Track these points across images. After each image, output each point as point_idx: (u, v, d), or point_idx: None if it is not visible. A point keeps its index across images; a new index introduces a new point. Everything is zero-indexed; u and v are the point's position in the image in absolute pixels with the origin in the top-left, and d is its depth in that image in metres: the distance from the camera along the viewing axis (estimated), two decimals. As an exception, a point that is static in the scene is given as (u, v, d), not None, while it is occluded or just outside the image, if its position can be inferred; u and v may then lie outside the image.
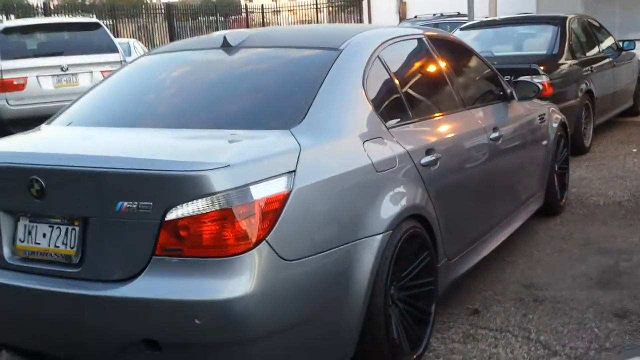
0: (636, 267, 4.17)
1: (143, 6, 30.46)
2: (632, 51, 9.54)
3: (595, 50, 8.67)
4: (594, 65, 8.19)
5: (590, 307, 3.62)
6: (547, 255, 4.47)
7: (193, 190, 2.33)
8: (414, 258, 3.05)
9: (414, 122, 3.43)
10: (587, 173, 6.70)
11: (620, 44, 9.32)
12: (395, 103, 3.40)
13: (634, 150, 7.63)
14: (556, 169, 5.29)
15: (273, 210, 2.42)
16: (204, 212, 2.32)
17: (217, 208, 2.32)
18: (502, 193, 4.35)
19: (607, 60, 8.70)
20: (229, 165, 2.37)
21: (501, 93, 4.61)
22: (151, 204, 2.37)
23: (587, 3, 11.82)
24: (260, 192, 2.40)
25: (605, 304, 3.64)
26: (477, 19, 11.13)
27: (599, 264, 4.27)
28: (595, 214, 5.33)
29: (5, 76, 9.77)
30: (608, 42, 9.19)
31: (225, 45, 3.44)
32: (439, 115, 3.71)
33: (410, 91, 3.61)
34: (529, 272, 4.18)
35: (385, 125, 3.15)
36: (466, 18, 14.39)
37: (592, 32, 8.90)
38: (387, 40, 3.55)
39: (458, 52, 4.47)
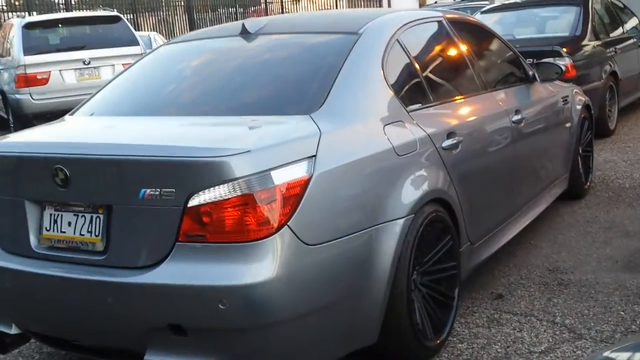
0: (663, 249, 4.13)
1: (163, -1, 30.54)
2: (658, 31, 9.37)
3: (619, 31, 8.54)
4: (618, 46, 8.07)
5: (616, 290, 3.59)
6: (572, 239, 4.43)
7: (214, 176, 2.33)
8: (436, 242, 3.03)
9: (435, 105, 3.40)
10: (612, 156, 6.61)
11: (646, 24, 9.16)
12: (416, 86, 3.38)
13: (660, 132, 7.53)
14: (580, 151, 5.23)
15: (294, 195, 2.43)
16: (226, 197, 2.33)
17: (239, 193, 2.33)
18: (525, 176, 4.31)
19: (631, 41, 8.57)
20: (249, 151, 2.37)
21: (523, 75, 4.56)
22: (174, 190, 2.38)
23: (610, -17, 11.61)
24: (282, 177, 2.40)
25: (631, 287, 3.60)
26: (498, 2, 11.00)
27: (625, 246, 4.22)
28: (621, 197, 5.26)
29: (29, 71, 9.89)
30: (632, 22, 9.04)
31: (244, 33, 3.45)
32: (460, 99, 3.69)
33: (430, 74, 3.58)
34: (554, 255, 4.15)
35: (405, 109, 3.13)
36: (487, 2, 14.25)
37: (616, 13, 8.76)
38: (406, 24, 3.52)
39: (478, 35, 4.42)
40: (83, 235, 2.61)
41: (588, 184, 5.42)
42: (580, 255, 4.12)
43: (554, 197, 4.80)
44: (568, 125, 5.01)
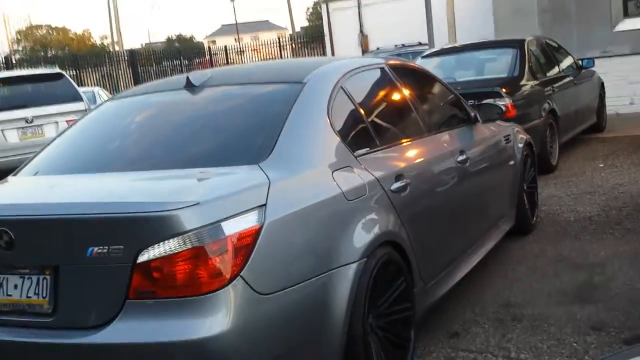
0: (610, 280, 4.22)
1: (106, 54, 30.46)
2: (592, 69, 9.77)
3: (556, 69, 8.87)
4: (556, 85, 8.37)
5: (567, 322, 3.65)
6: (522, 274, 4.51)
7: (164, 230, 2.31)
8: (390, 285, 3.05)
9: (382, 149, 3.46)
10: (556, 190, 6.79)
11: (580, 62, 9.54)
12: (362, 131, 3.43)
13: (601, 165, 7.76)
14: (525, 188, 5.36)
15: (246, 245, 2.42)
16: (176, 251, 2.30)
17: (189, 247, 2.31)
18: (474, 214, 4.39)
19: (568, 79, 8.89)
20: (198, 203, 2.36)
21: (465, 116, 4.68)
22: (122, 247, 2.34)
23: (544, 24, 12.09)
24: (232, 228, 2.40)
25: (582, 319, 3.67)
26: (437, 47, 11.33)
27: (574, 279, 4.31)
28: (567, 230, 5.39)
29: (-30, 131, 9.68)
30: (567, 61, 9.40)
31: (189, 86, 3.46)
32: (406, 141, 3.76)
33: (375, 119, 3.65)
34: (506, 291, 4.21)
35: (353, 154, 3.18)
36: (427, 47, 14.66)
37: (551, 53, 9.11)
38: (349, 71, 3.59)
39: (420, 79, 4.54)
40: (30, 297, 2.54)
41: (535, 219, 5.54)
42: (531, 290, 4.19)
43: (502, 233, 4.89)
44: (511, 163, 5.14)
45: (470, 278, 4.23)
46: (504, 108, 5.06)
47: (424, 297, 3.46)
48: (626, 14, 11.85)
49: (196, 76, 3.52)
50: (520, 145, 5.37)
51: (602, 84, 10.32)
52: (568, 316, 3.71)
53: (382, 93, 3.97)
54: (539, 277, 4.42)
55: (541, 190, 6.23)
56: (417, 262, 3.33)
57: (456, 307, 3.99)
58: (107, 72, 25.58)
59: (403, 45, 18.74)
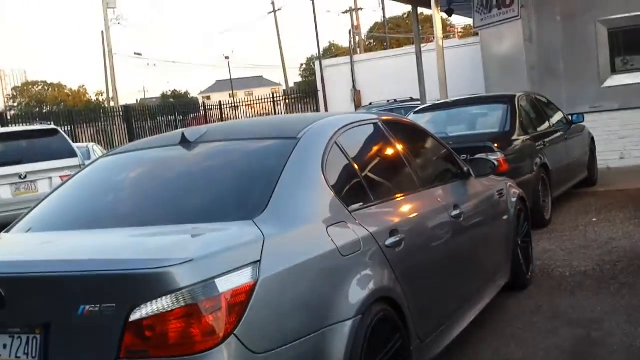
0: (607, 336, 4.17)
1: (101, 110, 30.70)
2: (582, 124, 9.89)
3: (546, 125, 8.97)
4: (547, 140, 8.45)
5: (566, 379, 3.59)
6: (519, 330, 4.46)
7: (156, 287, 2.28)
8: (386, 342, 3.00)
9: (376, 204, 3.46)
10: (551, 245, 6.77)
11: (570, 117, 9.66)
12: (356, 187, 3.44)
13: (594, 219, 7.77)
14: (519, 242, 5.35)
15: (240, 302, 2.39)
16: (169, 309, 2.27)
17: (183, 304, 2.27)
18: (469, 269, 4.36)
19: (558, 133, 8.99)
20: (192, 260, 2.34)
21: (458, 171, 4.70)
22: (114, 305, 2.31)
23: (533, 80, 12.29)
24: (226, 285, 2.37)
25: (581, 376, 3.62)
26: (429, 103, 11.48)
27: (571, 335, 4.26)
28: (562, 285, 5.36)
29: (-37, 188, 9.65)
30: (558, 116, 9.52)
31: (184, 142, 3.48)
32: (400, 196, 3.76)
33: (370, 174, 3.66)
34: (503, 348, 4.15)
35: (347, 209, 3.17)
36: (419, 102, 14.86)
37: (541, 108, 9.23)
38: (343, 127, 3.62)
39: (413, 134, 4.58)
40: (19, 357, 2.48)
41: (530, 274, 5.52)
42: (528, 347, 4.14)
43: (498, 288, 4.85)
44: (505, 217, 5.14)
45: (467, 334, 4.18)
46: (496, 163, 5.08)
47: (421, 355, 3.40)
48: (614, 71, 12.07)
49: (191, 132, 3.54)
50: (514, 200, 5.38)
51: (593, 138, 10.43)
52: (566, 374, 3.66)
53: (375, 148, 4.00)
54: (536, 333, 4.37)
55: (535, 245, 6.22)
56: (413, 318, 3.29)
57: (453, 364, 3.93)
58: (102, 128, 25.71)
59: (395, 101, 18.99)
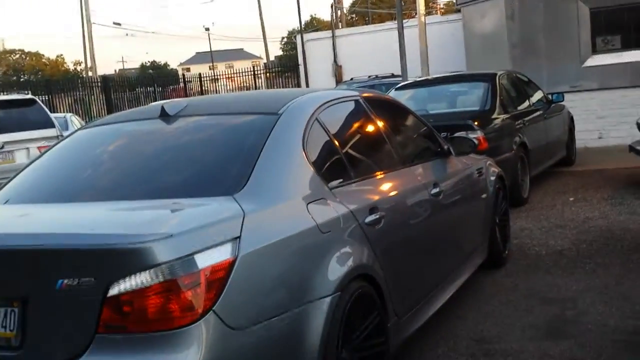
0: (582, 314, 4.24)
1: (79, 80, 30.27)
2: (562, 103, 9.95)
3: (526, 103, 9.00)
4: (526, 119, 8.49)
5: (540, 358, 3.65)
6: (495, 308, 4.51)
7: (135, 263, 2.27)
8: (364, 319, 3.02)
9: (356, 181, 3.46)
10: (527, 224, 6.84)
11: (550, 96, 9.70)
12: (337, 164, 3.43)
13: (571, 199, 7.86)
14: (497, 221, 5.39)
15: (219, 278, 2.38)
16: (148, 285, 2.26)
17: (162, 280, 2.26)
18: (447, 247, 4.40)
19: (538, 112, 9.03)
20: (172, 235, 2.33)
21: (439, 149, 4.71)
22: (93, 279, 2.29)
23: (515, 59, 12.32)
24: (206, 261, 2.36)
25: (555, 355, 3.67)
26: (410, 79, 11.47)
27: (546, 313, 4.32)
28: (538, 264, 5.42)
29: (-61, 157, 9.50)
30: (538, 95, 9.55)
31: (164, 115, 3.44)
32: (380, 174, 3.76)
33: (350, 151, 3.65)
34: (479, 326, 4.20)
35: (327, 186, 3.17)
36: (400, 78, 14.83)
37: (522, 87, 9.26)
38: (325, 103, 3.60)
39: (395, 112, 4.57)
40: (-4, 330, 2.46)
41: (506, 252, 5.57)
42: (504, 325, 4.19)
43: (475, 266, 4.90)
44: (484, 196, 5.17)
45: (444, 312, 4.22)
46: (476, 142, 5.10)
47: (398, 332, 3.43)
48: (594, 51, 12.13)
49: (171, 106, 3.50)
50: (493, 179, 5.42)
51: (572, 118, 10.51)
52: (541, 352, 3.71)
53: (356, 125, 3.98)
54: (512, 311, 4.42)
55: (512, 223, 6.27)
56: (391, 295, 3.31)
57: (429, 341, 3.97)
58: (79, 98, 25.37)
59: (376, 76, 18.93)
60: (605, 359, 3.57)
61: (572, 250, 5.71)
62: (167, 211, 2.66)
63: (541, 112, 9.16)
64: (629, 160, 8.52)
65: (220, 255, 2.41)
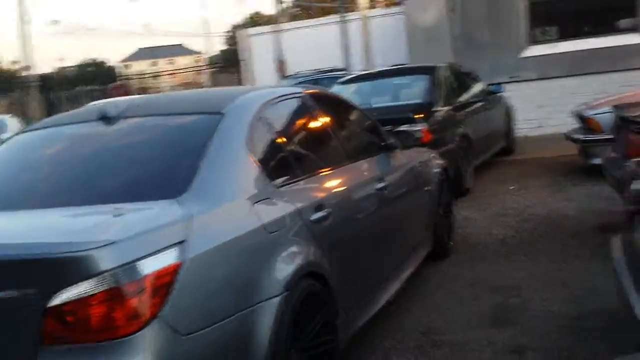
0: (525, 302, 4.34)
1: (16, 80, 29.40)
2: (501, 93, 10.15)
3: (467, 95, 9.15)
4: (467, 110, 8.63)
5: (486, 347, 3.72)
6: (441, 299, 4.58)
7: (78, 271, 2.22)
8: (312, 317, 3.03)
9: (302, 179, 3.46)
10: (471, 213, 6.96)
11: (490, 87, 9.89)
12: (282, 162, 3.42)
13: (511, 187, 8.03)
14: (441, 212, 5.47)
15: (165, 284, 2.35)
16: (91, 294, 2.21)
17: (105, 288, 2.22)
18: (393, 241, 4.44)
19: (479, 104, 9.20)
20: (114, 242, 2.28)
21: (383, 144, 4.74)
22: (34, 290, 2.23)
23: (456, 50, 12.50)
24: (150, 267, 2.32)
25: (500, 342, 3.75)
26: (354, 72, 11.53)
27: (490, 302, 4.41)
28: (482, 253, 5.53)
29: None
30: (478, 86, 9.73)
31: (104, 118, 3.37)
32: (326, 171, 3.77)
33: (296, 149, 3.65)
34: (425, 317, 4.26)
35: (273, 185, 3.16)
36: (344, 72, 14.89)
37: (462, 78, 9.40)
38: (269, 101, 3.59)
39: (339, 108, 4.59)
40: None
41: (451, 242, 5.66)
42: (449, 315, 4.26)
43: (421, 258, 4.96)
44: (428, 188, 5.24)
45: (391, 304, 4.27)
46: (420, 135, 5.16)
47: (347, 328, 3.45)
48: (532, 41, 12.40)
49: (112, 107, 3.42)
50: (436, 171, 5.50)
51: (511, 108, 10.73)
52: (487, 340, 3.79)
53: (301, 123, 3.98)
54: (457, 301, 4.50)
55: (456, 213, 6.36)
56: (340, 292, 3.33)
57: (378, 335, 4.01)
58: (17, 98, 24.65)
59: (320, 71, 18.95)
60: (550, 344, 3.67)
61: (514, 238, 5.84)
62: (109, 217, 2.60)
63: (482, 103, 9.33)
64: (566, 149, 8.74)
65: (165, 260, 2.38)
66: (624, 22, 12.02)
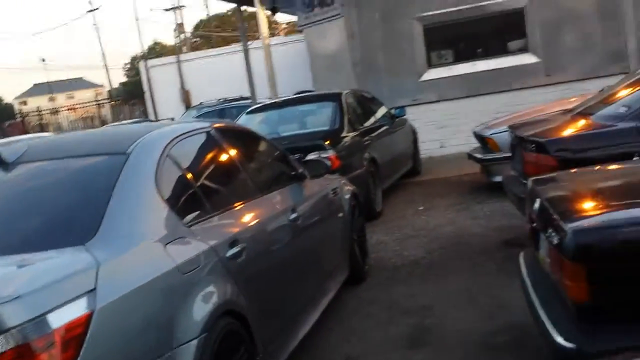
0: (440, 321, 4.44)
1: None
2: (404, 117, 10.42)
3: (372, 120, 9.34)
4: (373, 134, 8.80)
5: (405, 368, 3.78)
6: (358, 323, 4.62)
7: (-19, 330, 2.10)
8: (232, 356, 2.98)
9: (215, 216, 3.41)
10: (383, 236, 7.08)
11: (393, 111, 10.13)
12: (193, 200, 3.37)
13: (420, 208, 8.22)
14: (355, 237, 5.54)
15: (76, 336, 2.26)
16: (-2, 353, 2.10)
17: (12, 346, 2.11)
18: (310, 270, 4.45)
19: (384, 128, 9.40)
20: (19, 296, 2.17)
21: (294, 174, 4.77)
22: None
23: (358, 76, 12.76)
24: (59, 319, 2.23)
25: (418, 363, 3.82)
26: (260, 101, 11.56)
27: (406, 324, 4.48)
28: (396, 275, 5.62)
29: None
30: (382, 111, 9.94)
31: (1, 163, 3.22)
32: (239, 205, 3.74)
33: (206, 185, 3.61)
34: (346, 343, 4.28)
35: (185, 225, 3.11)
36: (249, 100, 14.90)
37: (367, 104, 9.61)
38: (175, 138, 3.53)
39: (247, 140, 4.58)
40: None
41: (367, 267, 5.73)
42: (368, 339, 4.30)
43: (338, 285, 4.99)
44: (340, 215, 5.30)
45: (311, 335, 4.26)
46: (329, 163, 5.22)
47: (268, 363, 3.42)
48: (430, 65, 12.83)
49: (9, 152, 3.28)
50: (347, 197, 5.57)
51: (415, 130, 11.02)
52: (406, 363, 3.85)
53: (210, 158, 3.94)
54: (374, 325, 4.55)
55: (369, 237, 6.46)
56: (259, 328, 3.29)
57: (299, 366, 4.00)
58: None
59: (225, 100, 18.90)
60: (465, 362, 3.76)
61: (425, 259, 5.98)
62: (13, 269, 2.49)
63: (387, 127, 9.54)
64: (469, 167, 9.05)
65: (75, 311, 2.29)
66: (514, 44, 12.63)
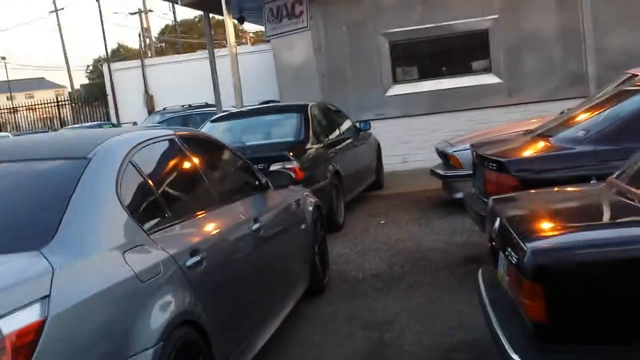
0: (399, 336, 4.45)
1: None
2: (369, 131, 10.47)
3: (337, 132, 9.37)
4: (338, 147, 8.83)
5: (363, 383, 3.77)
6: (318, 337, 4.60)
7: None
8: (189, 367, 2.93)
9: (176, 224, 3.37)
10: (344, 249, 7.07)
11: (358, 124, 10.18)
12: (154, 207, 3.32)
13: (382, 222, 8.25)
14: (316, 249, 5.52)
15: (28, 342, 2.19)
16: (-55, 359, 2.03)
17: (-39, 352, 2.04)
18: (270, 281, 4.42)
19: (348, 141, 9.44)
20: (-30, 302, 2.11)
21: (257, 184, 4.74)
22: None
23: (324, 88, 12.80)
24: (11, 325, 2.16)
25: (377, 378, 3.81)
26: (225, 109, 11.50)
27: (366, 338, 4.48)
28: (356, 288, 5.62)
29: None
30: (347, 124, 9.98)
31: (-43, 165, 3.13)
32: (200, 214, 3.70)
33: (168, 193, 3.56)
34: (305, 356, 4.25)
35: (145, 232, 3.06)
36: (214, 108, 14.81)
37: (332, 116, 9.64)
38: (138, 144, 3.48)
39: (211, 149, 4.54)
40: None
41: (327, 279, 5.72)
42: (328, 353, 4.28)
43: (298, 296, 4.97)
44: (303, 226, 5.28)
45: (270, 347, 4.22)
46: (293, 175, 5.21)
47: (225, 375, 3.37)
48: (395, 80, 12.93)
49: (-35, 153, 3.20)
50: (310, 209, 5.55)
51: (379, 144, 11.08)
52: (363, 378, 3.84)
53: (173, 166, 3.90)
54: (334, 339, 4.53)
55: (330, 249, 6.44)
56: (217, 339, 3.25)
57: (256, 378, 3.95)
58: None
59: (190, 106, 18.76)
60: (423, 378, 3.76)
61: (386, 273, 5.98)
62: (-36, 273, 2.41)
63: (351, 140, 9.58)
64: (431, 183, 9.11)
65: (28, 317, 2.23)
66: (478, 64, 12.82)
